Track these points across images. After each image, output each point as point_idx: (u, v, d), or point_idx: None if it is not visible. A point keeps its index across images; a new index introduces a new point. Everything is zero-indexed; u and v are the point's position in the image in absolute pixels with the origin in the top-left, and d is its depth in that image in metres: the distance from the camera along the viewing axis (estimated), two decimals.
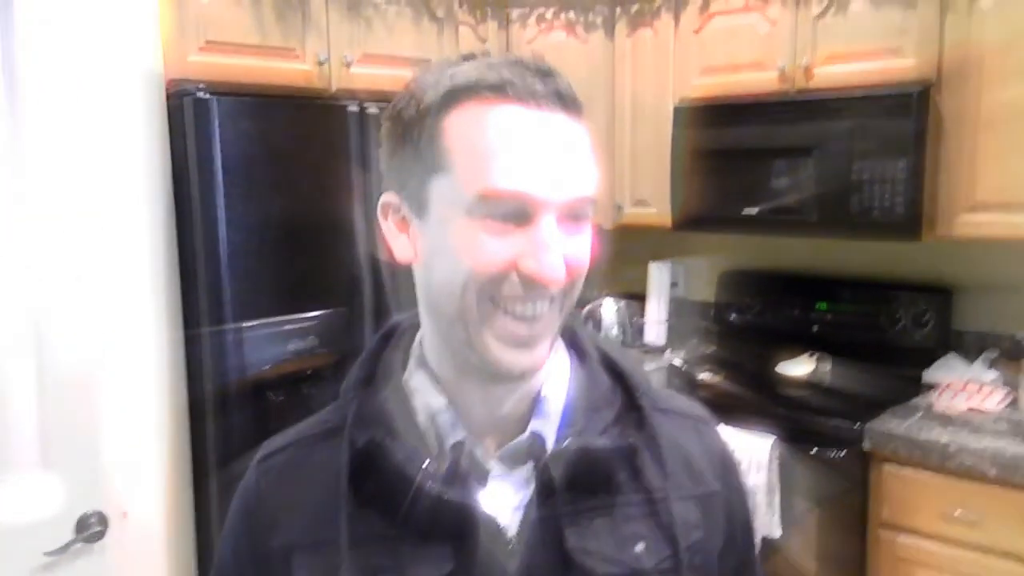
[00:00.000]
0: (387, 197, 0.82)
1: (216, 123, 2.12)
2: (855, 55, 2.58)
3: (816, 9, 2.65)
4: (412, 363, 0.85)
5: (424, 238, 0.79)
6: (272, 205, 2.23)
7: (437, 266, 0.77)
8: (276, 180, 2.24)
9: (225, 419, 2.20)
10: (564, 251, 0.75)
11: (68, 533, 1.87)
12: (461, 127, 0.74)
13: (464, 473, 0.79)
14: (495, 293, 0.75)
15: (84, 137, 1.98)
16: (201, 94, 2.13)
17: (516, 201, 0.73)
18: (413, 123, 0.77)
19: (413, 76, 0.81)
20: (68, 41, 1.93)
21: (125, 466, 2.10)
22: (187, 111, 2.15)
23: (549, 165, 0.74)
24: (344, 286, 2.40)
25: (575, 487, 0.79)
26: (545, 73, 0.76)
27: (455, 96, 0.75)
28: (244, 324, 2.18)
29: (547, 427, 0.82)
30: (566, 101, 0.76)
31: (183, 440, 2.24)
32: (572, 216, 0.76)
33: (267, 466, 0.87)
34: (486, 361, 0.77)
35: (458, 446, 0.80)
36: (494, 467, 0.81)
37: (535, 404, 0.83)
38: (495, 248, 0.73)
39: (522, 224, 0.74)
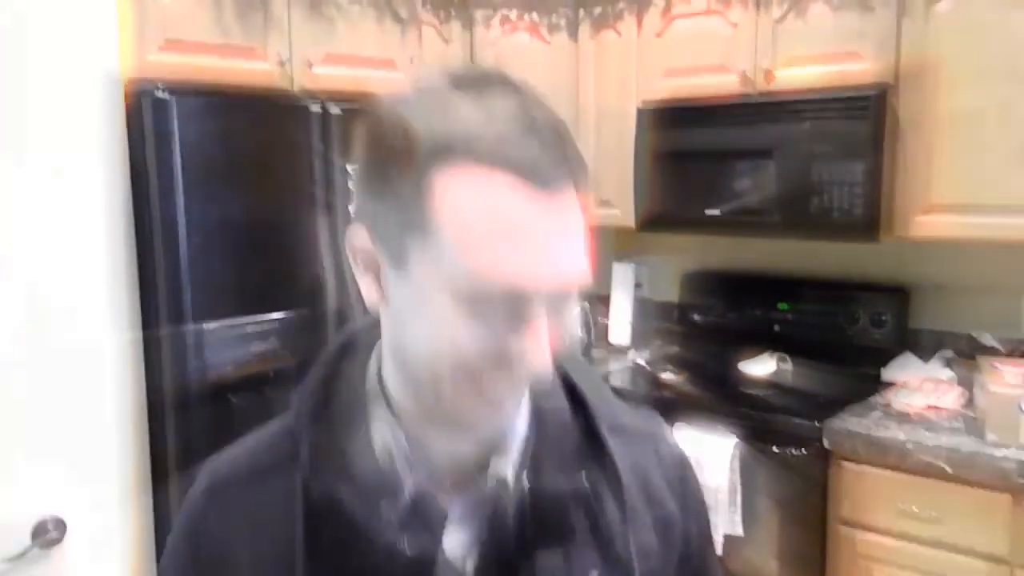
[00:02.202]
0: (357, 233, 0.74)
1: (176, 123, 2.09)
2: (814, 58, 2.62)
3: (777, 13, 2.68)
4: (370, 391, 0.80)
5: (398, 291, 0.72)
6: (233, 206, 2.21)
7: (411, 330, 0.72)
8: (237, 180, 2.22)
9: (185, 422, 2.17)
10: (551, 335, 0.70)
11: (24, 539, 1.84)
12: (454, 193, 0.66)
13: (422, 516, 0.76)
14: (474, 370, 0.70)
15: (39, 136, 1.95)
16: (160, 93, 2.11)
17: (509, 295, 0.67)
18: (397, 158, 0.68)
19: (403, 93, 0.71)
20: (23, 38, 1.89)
21: (82, 471, 2.07)
22: (146, 111, 2.12)
23: (549, 257, 0.67)
24: (306, 288, 2.38)
25: (532, 525, 0.77)
26: (557, 138, 0.68)
27: (451, 149, 0.66)
28: (204, 325, 2.16)
29: (506, 464, 0.79)
30: (575, 172, 0.69)
31: (142, 444, 2.21)
32: (563, 297, 0.71)
33: (216, 499, 0.82)
34: (455, 419, 0.75)
35: (418, 490, 0.77)
36: (453, 506, 0.78)
37: (495, 440, 0.80)
38: (480, 336, 0.68)
39: (512, 314, 0.68)
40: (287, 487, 0.77)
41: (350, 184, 2.45)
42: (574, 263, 0.69)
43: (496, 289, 0.67)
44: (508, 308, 0.68)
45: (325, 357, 0.84)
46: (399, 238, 0.69)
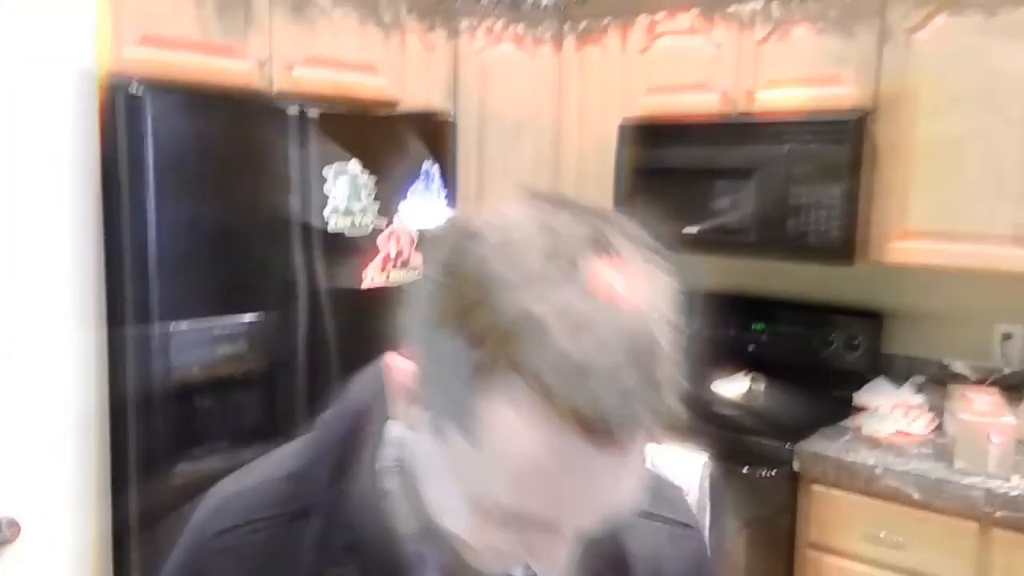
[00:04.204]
0: (402, 364, 0.65)
1: (149, 119, 2.06)
2: (795, 81, 2.63)
3: (760, 34, 2.69)
4: (393, 467, 0.75)
5: (429, 444, 0.64)
6: (205, 205, 2.17)
7: (432, 483, 0.66)
8: (211, 180, 2.19)
9: (148, 423, 2.13)
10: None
11: None
12: (511, 412, 0.55)
13: None
14: (484, 550, 0.66)
15: (10, 129, 1.92)
16: (134, 89, 2.08)
17: (537, 526, 0.60)
18: (463, 323, 0.56)
19: (513, 234, 0.58)
20: None
21: (39, 471, 2.03)
22: (119, 106, 2.09)
23: (594, 504, 0.60)
24: (278, 291, 2.35)
25: None
26: (661, 377, 0.56)
27: (526, 360, 0.54)
28: (171, 326, 2.12)
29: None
30: (662, 420, 0.57)
31: (102, 445, 2.17)
32: (600, 527, 0.64)
33: (228, 546, 0.76)
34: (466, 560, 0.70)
35: None
36: None
37: None
38: (496, 537, 0.63)
39: (535, 535, 0.62)
40: (296, 547, 0.73)
41: (325, 189, 2.43)
42: (621, 505, 0.61)
43: (524, 519, 0.60)
44: (533, 531, 0.61)
45: (344, 414, 0.77)
46: (440, 408, 0.60)
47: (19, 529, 1.92)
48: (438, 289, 0.59)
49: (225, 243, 2.22)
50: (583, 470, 0.56)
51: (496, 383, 0.55)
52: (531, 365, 0.54)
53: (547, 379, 0.53)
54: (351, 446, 0.75)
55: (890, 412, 2.58)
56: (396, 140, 2.64)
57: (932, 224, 2.43)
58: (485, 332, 0.55)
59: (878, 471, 2.25)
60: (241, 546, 0.75)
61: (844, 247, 2.51)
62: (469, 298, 0.56)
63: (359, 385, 0.78)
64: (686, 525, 0.87)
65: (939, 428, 2.50)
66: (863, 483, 2.28)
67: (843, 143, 2.49)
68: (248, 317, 2.28)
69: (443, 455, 0.62)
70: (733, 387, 2.91)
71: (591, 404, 0.53)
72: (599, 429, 0.54)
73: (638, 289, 0.57)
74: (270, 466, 0.80)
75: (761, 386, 2.90)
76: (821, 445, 2.40)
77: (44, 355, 2.03)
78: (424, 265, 0.63)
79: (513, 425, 0.55)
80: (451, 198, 2.83)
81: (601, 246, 0.57)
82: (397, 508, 0.72)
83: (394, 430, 0.74)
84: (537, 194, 0.63)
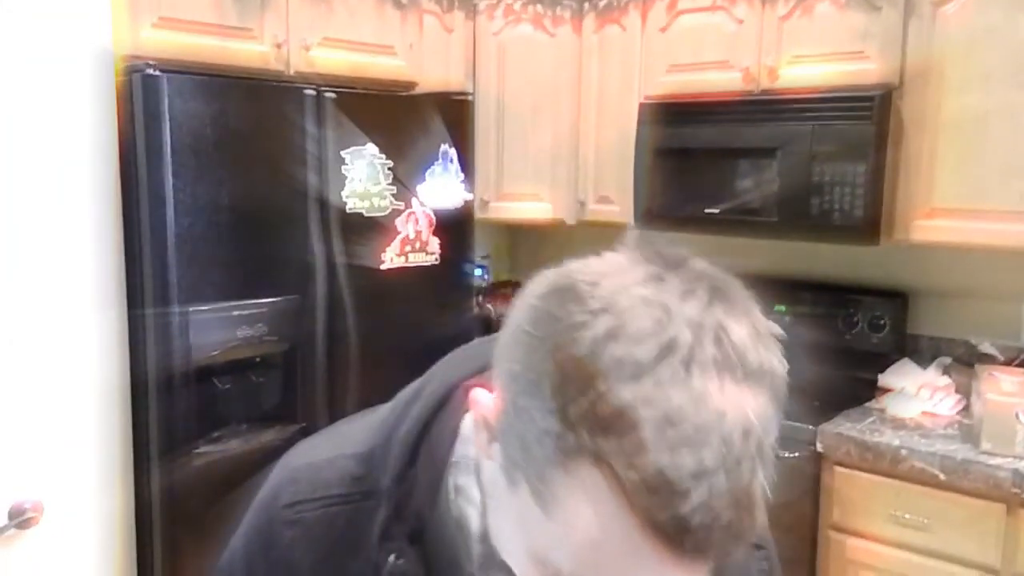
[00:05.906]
0: (487, 400, 0.62)
1: (166, 101, 2.05)
2: (819, 57, 2.59)
3: (782, 10, 2.64)
4: (462, 464, 0.72)
5: (500, 486, 0.61)
6: (223, 188, 2.17)
7: (498, 522, 0.65)
8: (228, 162, 2.18)
9: (169, 405, 2.14)
10: None
11: (1, 519, 1.83)
12: (590, 507, 0.52)
13: None
14: None
15: (28, 112, 1.93)
16: (151, 71, 2.07)
17: None
18: (560, 393, 0.53)
19: (609, 313, 0.53)
20: (15, 12, 1.87)
21: (62, 452, 2.04)
22: (137, 88, 2.09)
23: None
24: (296, 274, 2.35)
25: None
26: (750, 506, 0.53)
27: (618, 462, 0.51)
28: (190, 308, 2.12)
29: None
30: (740, 545, 0.55)
31: (124, 426, 2.19)
32: None
33: (297, 518, 0.75)
34: None
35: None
36: None
37: None
38: None
39: None
40: (361, 530, 0.72)
41: (343, 170, 2.42)
42: None
43: None
44: None
45: (421, 399, 0.74)
46: (517, 464, 0.57)
47: (43, 510, 1.94)
48: (538, 344, 0.55)
49: (243, 225, 2.22)
50: (652, 570, 0.53)
51: (579, 470, 0.52)
52: (620, 468, 0.51)
53: (634, 489, 0.50)
54: (424, 434, 0.72)
55: (916, 393, 2.55)
56: (414, 121, 2.62)
57: (958, 202, 2.39)
58: (579, 417, 0.52)
59: (903, 452, 2.23)
60: (309, 520, 0.75)
61: (869, 226, 2.47)
62: (569, 377, 0.52)
63: (440, 370, 0.76)
64: (757, 546, 0.84)
65: (966, 409, 2.47)
66: (887, 464, 2.25)
67: (868, 120, 2.45)
68: (267, 299, 2.28)
69: (512, 499, 0.59)
70: None
71: (674, 522, 0.51)
72: (677, 544, 0.51)
73: (748, 394, 0.54)
74: (342, 441, 0.78)
75: (784, 367, 2.87)
76: (845, 426, 2.38)
77: (65, 338, 2.04)
78: (521, 311, 0.58)
79: (587, 516, 0.53)
80: (469, 180, 2.81)
81: (717, 338, 0.54)
82: (466, 507, 0.70)
83: (471, 424, 0.71)
84: (648, 253, 0.59)
